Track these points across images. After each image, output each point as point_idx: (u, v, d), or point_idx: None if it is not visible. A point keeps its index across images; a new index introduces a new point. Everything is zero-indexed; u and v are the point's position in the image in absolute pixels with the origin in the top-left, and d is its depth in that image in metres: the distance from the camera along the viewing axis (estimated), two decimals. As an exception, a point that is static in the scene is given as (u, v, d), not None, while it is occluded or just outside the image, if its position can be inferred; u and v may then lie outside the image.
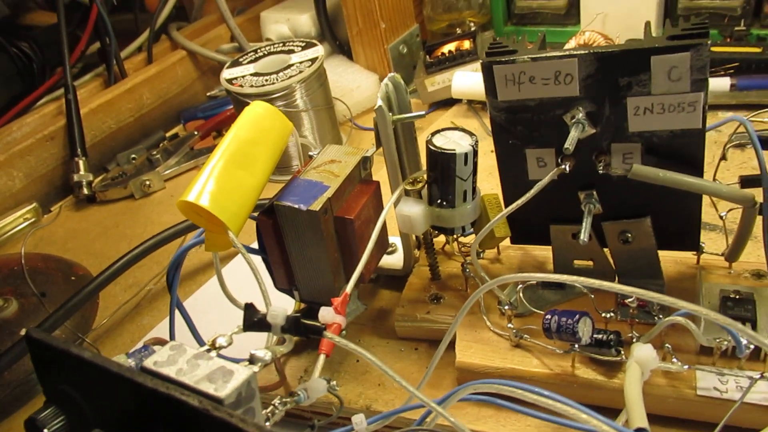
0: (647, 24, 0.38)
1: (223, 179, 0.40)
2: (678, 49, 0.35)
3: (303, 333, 0.34)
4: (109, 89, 0.89)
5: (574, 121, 0.39)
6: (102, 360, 0.30)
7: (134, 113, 0.89)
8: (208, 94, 0.97)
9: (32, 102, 0.86)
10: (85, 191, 0.80)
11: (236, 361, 0.31)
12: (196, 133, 0.87)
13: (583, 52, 0.37)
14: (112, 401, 0.31)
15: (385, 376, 0.47)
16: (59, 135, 0.82)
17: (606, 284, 0.32)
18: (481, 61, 0.39)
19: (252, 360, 0.32)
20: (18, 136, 0.81)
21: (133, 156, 0.85)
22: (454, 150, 0.41)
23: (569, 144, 0.37)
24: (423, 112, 0.45)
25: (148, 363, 0.31)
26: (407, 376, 0.47)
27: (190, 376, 0.29)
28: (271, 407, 0.33)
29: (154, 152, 0.84)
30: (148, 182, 0.81)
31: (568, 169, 0.40)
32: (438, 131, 0.43)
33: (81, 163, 0.81)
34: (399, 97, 0.46)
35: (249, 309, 0.34)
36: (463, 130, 0.43)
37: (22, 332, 0.60)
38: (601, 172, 0.40)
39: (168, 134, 0.91)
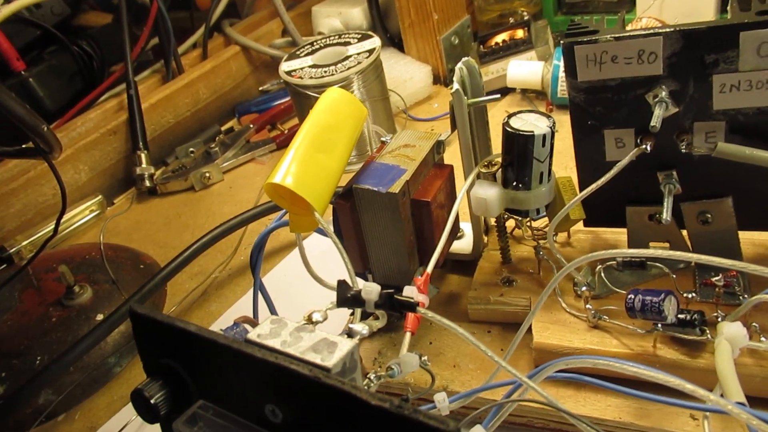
0: (732, 0, 0.38)
1: (305, 162, 0.41)
2: (769, 24, 0.35)
3: (396, 308, 0.35)
4: (167, 85, 0.91)
5: (657, 100, 0.39)
6: (209, 333, 0.31)
7: (191, 108, 0.91)
8: (260, 88, 0.99)
9: (95, 98, 0.88)
10: (147, 184, 0.83)
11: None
12: (251, 126, 0.89)
13: (668, 29, 0.37)
14: (216, 373, 0.32)
15: (460, 357, 0.47)
16: (121, 129, 0.85)
17: (702, 257, 0.32)
18: (562, 41, 0.40)
19: (350, 333, 0.33)
20: (82, 131, 0.84)
21: (192, 149, 0.87)
22: (532, 131, 0.42)
23: (655, 122, 0.37)
24: (497, 95, 0.45)
25: (252, 336, 0.32)
26: (482, 358, 0.47)
27: (295, 348, 0.30)
28: (366, 380, 0.33)
29: (212, 145, 0.86)
30: (207, 174, 0.83)
31: (648, 149, 0.40)
32: (513, 114, 0.43)
33: (143, 156, 0.83)
34: (473, 81, 0.46)
35: (342, 285, 0.35)
36: (539, 112, 0.43)
37: (98, 317, 0.62)
38: (683, 151, 0.40)
39: (223, 128, 0.93)
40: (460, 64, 0.45)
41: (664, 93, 0.39)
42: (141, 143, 0.83)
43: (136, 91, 0.85)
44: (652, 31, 0.37)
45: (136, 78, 0.88)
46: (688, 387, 0.28)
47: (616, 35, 0.38)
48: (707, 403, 0.28)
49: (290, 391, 0.29)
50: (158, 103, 0.88)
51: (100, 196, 0.82)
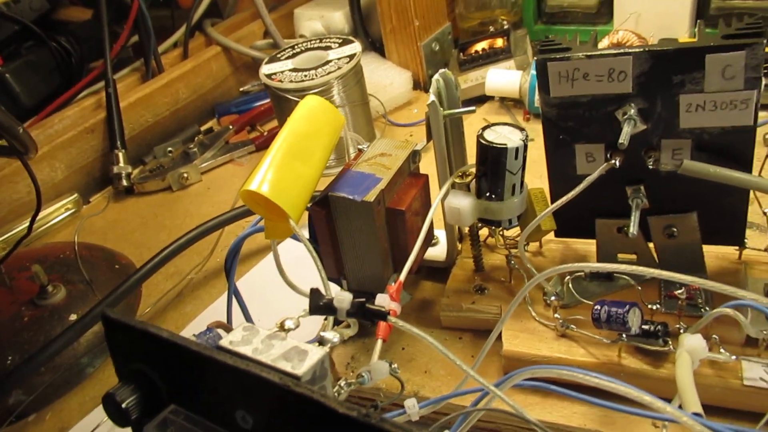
0: (700, 23, 0.39)
1: (282, 170, 0.42)
2: (733, 48, 0.36)
3: (367, 317, 0.35)
4: (147, 84, 0.91)
5: (626, 117, 0.40)
6: (181, 339, 0.32)
7: (170, 107, 0.91)
8: (241, 89, 0.99)
9: (72, 96, 0.88)
10: (125, 183, 0.82)
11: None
12: (230, 127, 0.89)
13: (638, 50, 0.38)
14: (188, 379, 0.32)
15: (431, 363, 0.48)
16: (99, 128, 0.84)
17: (665, 273, 0.33)
18: (535, 57, 0.40)
19: (322, 341, 0.33)
20: (59, 129, 0.83)
21: (170, 149, 0.87)
22: (505, 144, 0.42)
23: (623, 139, 0.38)
24: (473, 108, 0.46)
25: (224, 342, 0.32)
26: (453, 364, 0.48)
27: (266, 355, 0.31)
28: (336, 387, 0.34)
29: (191, 145, 0.86)
30: (185, 175, 0.83)
31: (617, 164, 0.42)
32: (488, 126, 0.44)
33: (120, 155, 0.83)
34: (449, 92, 0.47)
35: (315, 293, 0.35)
36: (513, 125, 0.44)
37: (71, 317, 0.62)
38: (650, 167, 0.41)
39: (203, 128, 0.93)
40: (436, 76, 0.46)
41: (633, 111, 0.40)
42: (119, 142, 0.83)
43: (114, 89, 0.84)
44: (622, 50, 0.38)
45: (115, 76, 0.88)
46: (646, 399, 0.29)
47: (588, 53, 0.39)
48: (664, 414, 0.29)
49: (260, 398, 0.30)
50: (137, 101, 0.87)
51: (76, 195, 0.81)
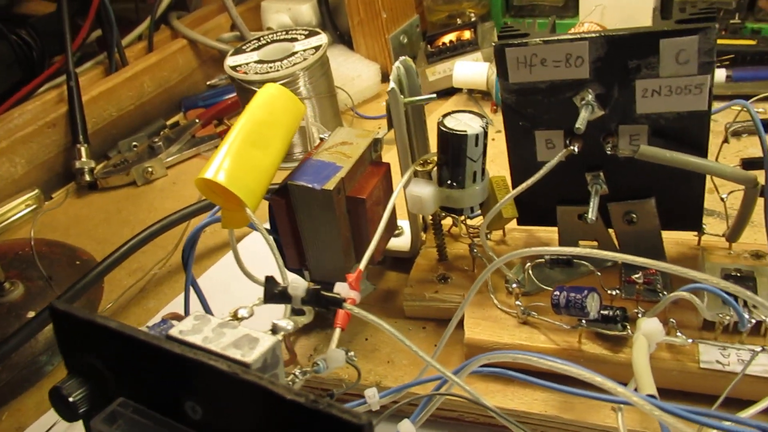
0: (656, 9, 0.39)
1: (239, 158, 0.41)
2: (687, 32, 0.36)
3: (323, 305, 0.35)
4: (110, 77, 0.89)
5: (583, 102, 0.40)
6: (129, 329, 0.31)
7: (135, 101, 0.90)
8: (208, 83, 0.98)
9: (33, 89, 0.86)
10: (87, 178, 0.81)
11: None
12: (197, 121, 0.87)
13: (594, 35, 0.38)
14: (137, 370, 0.32)
15: (394, 353, 0.48)
16: (61, 122, 0.82)
17: (618, 255, 0.33)
18: (493, 44, 0.40)
19: (275, 329, 0.33)
20: (20, 123, 0.81)
21: (135, 143, 0.85)
22: (465, 131, 0.42)
23: (580, 124, 0.38)
24: (434, 95, 0.46)
25: (174, 332, 0.31)
26: (415, 355, 0.48)
27: (216, 344, 0.30)
28: (291, 376, 0.34)
29: (156, 140, 0.84)
30: (150, 169, 0.81)
31: (576, 150, 0.42)
32: (449, 113, 0.44)
33: (83, 149, 0.81)
34: (410, 80, 0.47)
35: (270, 281, 0.35)
36: (473, 112, 0.44)
37: (29, 315, 0.60)
38: (609, 153, 0.41)
39: (169, 122, 0.91)
40: (397, 63, 0.46)
41: (590, 96, 0.40)
42: (81, 136, 0.81)
43: (76, 82, 0.82)
44: (578, 36, 0.38)
45: (77, 69, 0.86)
46: (598, 380, 0.29)
47: (545, 39, 0.39)
48: (617, 395, 0.29)
49: (209, 387, 0.29)
50: (100, 95, 0.86)
51: (37, 190, 0.80)
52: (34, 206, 0.79)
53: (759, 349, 0.38)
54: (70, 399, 0.32)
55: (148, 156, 0.83)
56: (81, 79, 0.86)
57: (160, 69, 0.92)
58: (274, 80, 0.71)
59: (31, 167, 0.81)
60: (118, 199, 0.80)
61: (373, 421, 0.25)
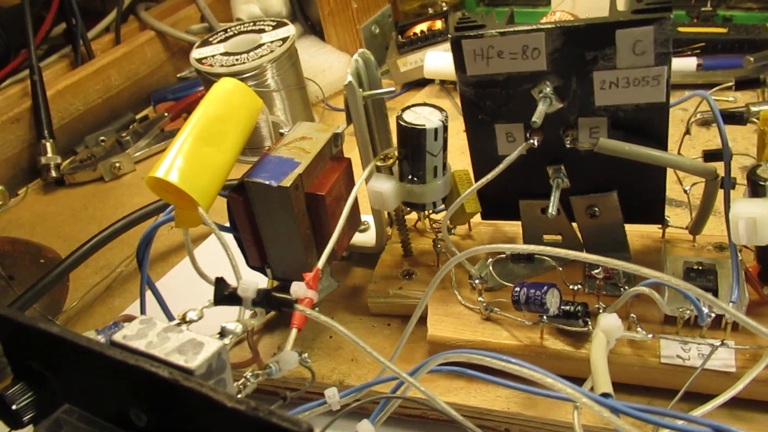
0: (612, 0, 0.39)
1: (191, 155, 0.40)
2: (642, 22, 0.35)
3: (274, 306, 0.34)
4: (76, 70, 0.87)
5: (541, 95, 0.39)
6: (70, 335, 0.30)
7: (102, 95, 0.88)
8: (178, 75, 0.96)
9: (-4, 83, 0.84)
10: (53, 174, 0.79)
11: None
12: (166, 114, 0.86)
13: (550, 26, 0.37)
14: (81, 376, 0.31)
15: (358, 351, 0.47)
16: (25, 117, 0.81)
17: (573, 253, 0.33)
18: (449, 35, 0.39)
19: (223, 333, 0.32)
20: (-18, 118, 0.79)
21: (102, 138, 0.84)
22: (424, 125, 0.41)
23: (537, 117, 0.38)
24: (393, 89, 0.45)
25: (118, 337, 0.31)
26: (380, 352, 0.46)
27: (160, 349, 0.29)
28: (242, 380, 0.33)
29: (124, 134, 0.83)
30: (117, 164, 0.80)
31: (536, 143, 0.41)
32: (408, 107, 0.43)
33: (48, 145, 0.79)
34: (369, 73, 0.46)
35: (220, 283, 0.34)
36: (433, 106, 0.43)
37: (-10, 315, 0.59)
38: (568, 146, 0.41)
39: (138, 116, 0.89)
40: (355, 56, 0.45)
41: (548, 89, 0.39)
42: (46, 131, 0.79)
43: (40, 76, 0.80)
44: (534, 27, 0.37)
45: (42, 63, 0.84)
46: (548, 381, 0.29)
47: (501, 30, 0.38)
48: (568, 396, 0.28)
49: (152, 394, 0.28)
50: (66, 89, 0.84)
51: (1, 187, 0.78)
52: (-2, 203, 0.78)
53: (718, 343, 0.37)
54: (14, 406, 0.31)
55: (116, 151, 0.81)
56: (46, 73, 0.84)
57: (128, 62, 0.90)
58: (240, 72, 0.70)
59: (-5, 164, 0.79)
60: (85, 195, 0.79)
61: (325, 423, 0.25)
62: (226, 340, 0.30)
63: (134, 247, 0.67)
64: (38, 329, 0.31)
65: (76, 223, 0.75)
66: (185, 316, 0.33)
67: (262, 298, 0.33)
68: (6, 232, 0.73)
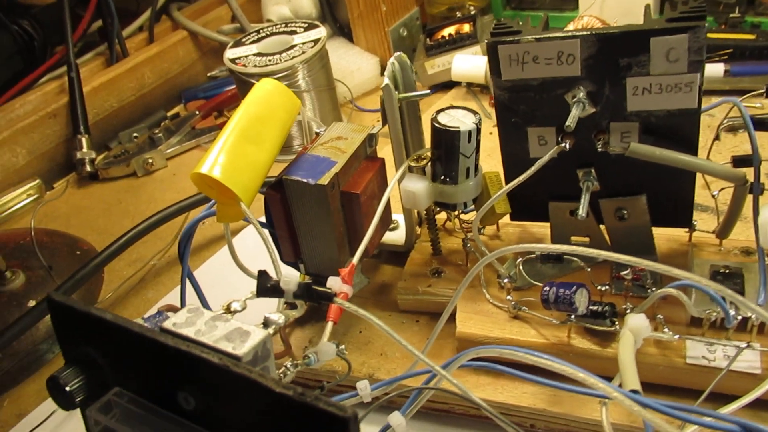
0: (647, 7, 0.40)
1: (234, 153, 0.41)
2: (676, 30, 0.36)
3: (314, 299, 0.35)
4: (111, 68, 0.89)
5: (575, 100, 0.40)
6: (123, 321, 0.31)
7: (136, 92, 0.90)
8: (208, 74, 0.98)
9: (35, 80, 0.86)
10: (88, 168, 0.81)
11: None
12: (197, 112, 0.88)
13: (585, 33, 0.38)
14: (132, 361, 0.32)
15: (387, 346, 0.49)
16: (62, 113, 0.83)
17: (605, 253, 0.34)
18: (486, 41, 0.41)
19: (266, 323, 0.33)
20: (21, 113, 0.82)
21: (135, 134, 0.86)
22: (458, 128, 0.43)
23: (570, 122, 0.39)
24: (428, 91, 0.46)
25: (167, 324, 0.32)
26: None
27: (209, 336, 0.31)
28: (283, 368, 0.34)
29: (156, 131, 0.85)
30: (150, 160, 0.82)
31: (568, 147, 0.42)
32: (442, 110, 0.44)
33: (84, 140, 0.82)
34: (405, 76, 0.47)
35: (262, 276, 0.35)
36: (467, 108, 0.44)
37: (30, 303, 0.61)
38: (599, 150, 0.42)
39: (169, 114, 0.92)
40: (392, 59, 0.46)
41: (581, 94, 0.40)
42: (82, 127, 0.82)
43: (77, 73, 0.83)
44: (569, 33, 0.38)
45: (78, 60, 0.87)
46: (580, 375, 0.30)
47: (537, 36, 0.39)
48: (597, 390, 0.29)
49: (202, 379, 0.30)
50: (101, 86, 0.86)
51: (38, 180, 0.80)
52: (35, 196, 0.80)
53: (744, 345, 0.38)
54: (67, 388, 0.33)
55: (148, 147, 0.84)
56: (82, 70, 0.87)
57: (161, 60, 0.92)
58: (272, 73, 0.72)
59: (33, 157, 0.81)
60: (119, 189, 0.81)
61: (359, 414, 0.26)
62: (270, 330, 0.32)
63: (166, 241, 0.69)
64: (92, 315, 0.33)
65: (109, 216, 0.77)
66: (229, 306, 0.34)
67: (303, 291, 0.35)
68: (43, 224, 0.76)
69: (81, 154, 0.81)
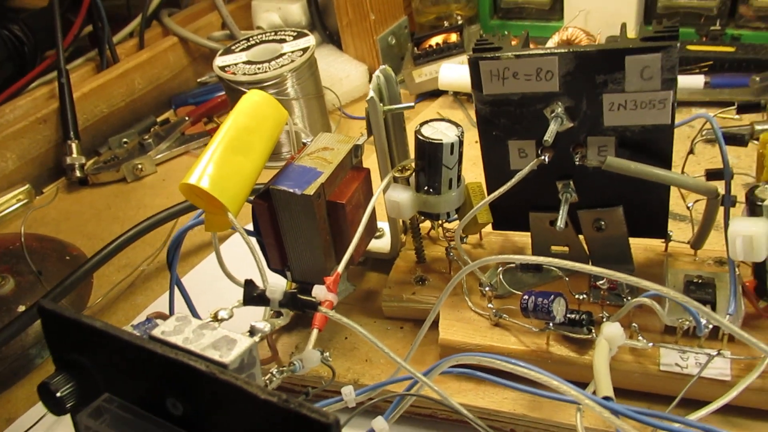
0: (623, 25, 0.41)
1: (222, 164, 0.42)
2: (650, 50, 0.38)
3: (299, 307, 0.36)
4: (101, 74, 0.90)
5: (553, 115, 0.41)
6: (113, 329, 0.32)
7: (126, 98, 0.91)
8: (198, 80, 0.99)
9: (24, 85, 0.87)
10: (78, 174, 0.82)
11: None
12: (187, 118, 0.89)
13: (563, 50, 0.39)
14: (121, 368, 0.33)
15: (372, 352, 0.50)
16: (52, 118, 0.84)
17: (578, 265, 0.35)
18: (467, 56, 0.42)
19: (252, 331, 0.34)
20: (11, 119, 0.82)
21: (125, 140, 0.87)
22: (441, 140, 0.44)
23: (549, 136, 0.40)
24: (412, 104, 0.48)
25: (156, 332, 0.33)
26: (393, 353, 0.50)
27: (196, 344, 0.32)
28: (269, 375, 0.35)
29: (146, 137, 0.86)
30: (140, 166, 0.83)
31: (547, 159, 0.43)
32: (426, 122, 0.46)
33: (74, 146, 0.82)
34: (390, 88, 0.48)
35: (249, 285, 0.36)
36: (450, 121, 0.46)
37: (20, 309, 0.62)
38: (577, 163, 0.43)
39: (159, 119, 0.92)
40: (377, 72, 0.47)
41: (560, 109, 0.41)
42: (72, 132, 0.82)
43: (67, 79, 0.83)
44: (548, 51, 0.40)
45: (68, 66, 0.87)
46: (554, 383, 0.31)
47: (517, 53, 0.41)
48: (571, 397, 0.31)
49: (189, 385, 0.31)
50: (91, 92, 0.87)
51: (27, 185, 0.81)
52: (25, 201, 0.80)
53: (715, 353, 0.40)
54: (58, 394, 0.34)
55: (138, 153, 0.84)
56: (72, 76, 0.87)
57: (151, 66, 0.93)
58: (261, 81, 0.73)
59: (22, 162, 0.82)
60: (108, 195, 0.82)
61: (342, 420, 0.27)
62: (256, 338, 0.33)
63: (155, 246, 0.70)
64: (83, 323, 0.34)
65: (99, 222, 0.77)
66: (217, 314, 0.35)
67: (288, 300, 0.36)
68: (32, 230, 0.76)
69: (71, 160, 0.82)
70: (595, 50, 0.39)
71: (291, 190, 0.44)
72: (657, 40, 0.38)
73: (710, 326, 0.40)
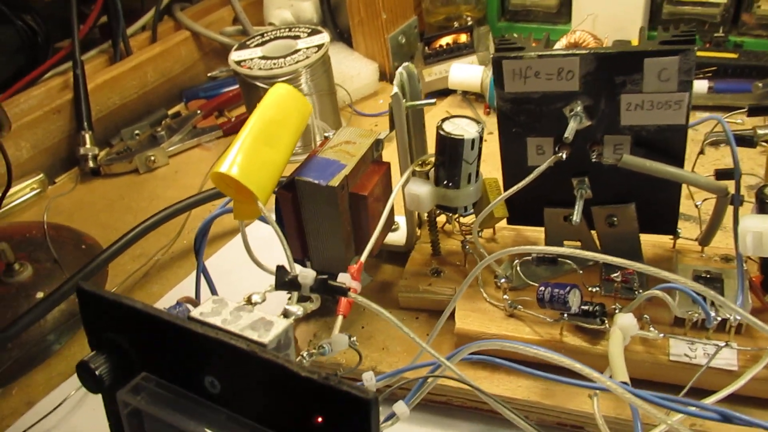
0: (642, 29, 0.43)
1: (251, 154, 0.44)
2: (669, 53, 0.39)
3: (329, 292, 0.38)
4: (115, 66, 0.91)
5: (572, 113, 0.43)
6: (154, 310, 0.34)
7: (138, 90, 0.92)
8: (209, 74, 1.00)
9: (39, 75, 0.88)
10: (91, 164, 0.83)
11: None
12: (198, 112, 0.90)
13: (584, 51, 0.41)
14: (159, 348, 0.35)
15: (389, 340, 0.51)
16: (66, 108, 0.85)
17: (599, 256, 0.37)
18: (492, 55, 0.43)
19: (286, 314, 0.36)
20: (25, 108, 0.83)
21: (137, 132, 0.88)
22: (462, 136, 0.45)
23: (568, 134, 0.42)
24: (433, 100, 0.49)
25: (195, 313, 0.34)
26: (408, 342, 0.51)
27: (235, 325, 0.33)
28: (299, 357, 0.37)
29: (158, 129, 0.87)
30: (152, 157, 0.84)
31: (564, 156, 0.45)
32: (447, 118, 0.47)
33: (87, 136, 0.83)
34: (411, 85, 0.50)
35: (281, 270, 0.38)
36: (471, 118, 0.47)
37: (38, 295, 0.63)
38: (593, 160, 0.45)
39: (170, 112, 0.93)
40: (400, 69, 0.49)
41: (579, 107, 0.43)
42: (86, 123, 0.83)
43: (82, 70, 0.84)
44: (570, 52, 0.41)
45: (82, 57, 0.88)
46: (577, 366, 0.32)
47: (540, 53, 0.42)
48: (595, 382, 0.32)
49: (228, 364, 0.32)
50: (104, 83, 0.88)
51: (41, 174, 0.82)
52: (38, 190, 0.81)
53: (722, 344, 0.41)
54: (97, 372, 0.35)
55: (150, 144, 0.85)
56: (85, 67, 0.88)
57: (164, 59, 0.94)
58: (277, 76, 0.74)
59: (36, 152, 0.83)
60: (121, 186, 0.83)
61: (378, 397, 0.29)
62: (292, 320, 0.34)
63: (170, 237, 0.71)
64: (123, 304, 0.35)
65: (112, 212, 0.78)
66: (250, 298, 0.37)
67: (319, 286, 0.37)
68: (46, 219, 0.77)
69: (84, 150, 0.83)
70: (615, 52, 0.41)
71: (316, 182, 0.46)
72: (675, 44, 0.40)
73: (718, 319, 0.42)
